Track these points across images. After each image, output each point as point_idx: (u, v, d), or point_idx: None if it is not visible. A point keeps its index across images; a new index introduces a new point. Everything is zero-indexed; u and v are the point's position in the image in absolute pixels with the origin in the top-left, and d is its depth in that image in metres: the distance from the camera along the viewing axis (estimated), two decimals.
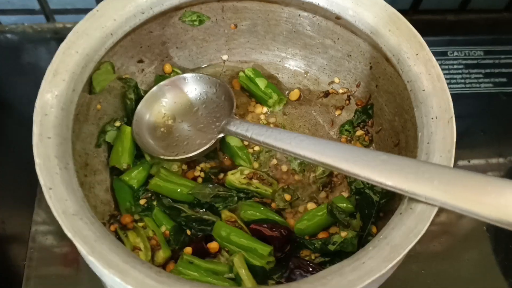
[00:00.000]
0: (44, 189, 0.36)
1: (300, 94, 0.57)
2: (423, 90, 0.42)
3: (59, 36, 0.71)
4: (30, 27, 0.72)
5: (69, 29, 0.71)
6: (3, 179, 0.60)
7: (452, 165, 0.38)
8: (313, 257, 0.48)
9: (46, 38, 0.72)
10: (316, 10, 0.50)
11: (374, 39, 0.46)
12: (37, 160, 0.37)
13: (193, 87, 0.53)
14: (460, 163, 0.62)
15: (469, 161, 0.62)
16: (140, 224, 0.49)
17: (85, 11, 0.70)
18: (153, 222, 0.49)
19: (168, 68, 0.55)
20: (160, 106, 0.52)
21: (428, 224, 0.35)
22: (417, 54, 0.43)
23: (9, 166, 0.61)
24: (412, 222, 0.36)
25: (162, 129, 0.51)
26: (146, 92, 0.53)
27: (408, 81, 0.43)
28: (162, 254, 0.47)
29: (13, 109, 0.66)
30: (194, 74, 0.53)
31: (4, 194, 0.59)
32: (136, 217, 0.49)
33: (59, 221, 0.35)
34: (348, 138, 0.54)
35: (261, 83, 0.55)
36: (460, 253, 0.56)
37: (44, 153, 0.37)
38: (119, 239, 0.47)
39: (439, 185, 0.34)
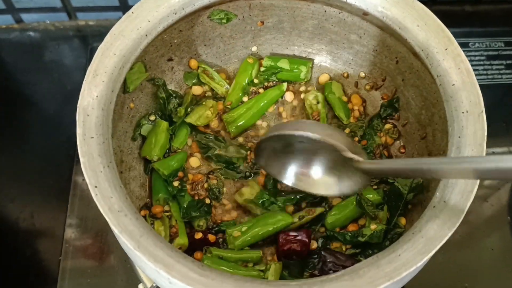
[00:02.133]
0: (90, 187, 0.37)
1: (330, 78, 0.58)
2: (453, 85, 0.43)
3: (82, 34, 0.73)
4: (52, 24, 0.73)
5: (92, 27, 0.74)
6: (30, 175, 0.62)
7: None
8: (344, 248, 0.49)
9: (68, 35, 0.73)
10: (342, 6, 0.51)
11: (403, 34, 0.47)
12: (82, 159, 0.38)
13: None
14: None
15: (492, 152, 0.63)
16: (167, 214, 0.50)
17: (107, 8, 0.73)
18: (177, 207, 0.51)
19: (193, 63, 0.56)
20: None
21: (463, 216, 0.36)
22: (446, 49, 0.44)
23: (34, 162, 0.62)
24: (446, 215, 0.37)
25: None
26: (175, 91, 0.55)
27: (437, 76, 0.44)
28: (178, 241, 0.49)
29: (37, 106, 0.67)
30: None
31: (32, 189, 0.61)
32: (166, 208, 0.51)
33: (106, 218, 0.36)
34: (378, 131, 0.55)
35: (284, 63, 0.57)
36: (482, 241, 0.57)
37: (87, 152, 0.39)
38: None
39: None
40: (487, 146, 0.63)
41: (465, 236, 0.56)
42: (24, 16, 0.72)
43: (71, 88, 0.68)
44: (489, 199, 0.59)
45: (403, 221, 0.49)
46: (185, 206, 0.51)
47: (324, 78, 0.58)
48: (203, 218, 0.51)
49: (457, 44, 0.44)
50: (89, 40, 0.73)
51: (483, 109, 0.41)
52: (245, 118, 0.55)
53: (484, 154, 0.39)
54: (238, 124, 0.55)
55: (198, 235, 0.49)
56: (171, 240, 0.49)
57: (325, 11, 0.53)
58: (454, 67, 0.43)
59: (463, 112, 0.41)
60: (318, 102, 0.56)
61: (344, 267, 0.40)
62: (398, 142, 0.54)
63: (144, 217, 0.50)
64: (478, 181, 0.38)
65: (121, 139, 0.50)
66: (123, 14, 0.71)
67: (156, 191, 0.52)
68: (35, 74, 0.69)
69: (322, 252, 0.47)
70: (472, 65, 0.70)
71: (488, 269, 0.56)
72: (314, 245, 0.49)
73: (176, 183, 0.52)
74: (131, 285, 0.54)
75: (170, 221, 0.50)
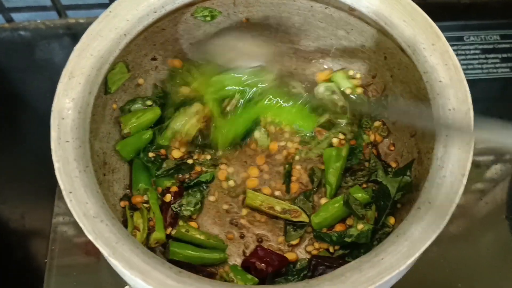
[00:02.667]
0: (64, 193, 0.37)
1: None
2: (440, 82, 0.41)
3: (72, 32, 0.72)
4: (43, 23, 0.72)
5: (82, 25, 0.73)
6: (21, 174, 0.61)
7: (470, 157, 0.38)
8: (332, 250, 0.48)
9: (59, 34, 0.72)
10: (328, 1, 0.50)
11: (389, 30, 0.45)
12: (56, 164, 0.37)
13: None
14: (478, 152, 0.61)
15: (486, 149, 0.61)
16: (146, 205, 0.49)
17: (97, 6, 0.72)
18: (155, 197, 0.50)
19: (177, 63, 0.55)
20: None
21: (448, 219, 0.35)
22: (433, 45, 0.43)
23: (26, 161, 0.61)
24: (431, 217, 0.36)
25: None
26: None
27: (424, 72, 0.43)
28: (155, 236, 0.48)
29: (29, 104, 0.66)
30: None
31: (22, 189, 0.60)
32: (145, 198, 0.50)
33: (80, 224, 0.36)
34: (367, 129, 0.54)
35: None
36: (478, 236, 0.56)
37: (63, 156, 0.38)
38: (125, 218, 0.48)
39: None
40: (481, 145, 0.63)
41: (459, 234, 0.55)
42: (15, 16, 0.72)
43: None
44: (483, 198, 0.58)
45: (392, 220, 0.47)
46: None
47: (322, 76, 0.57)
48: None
49: (445, 39, 0.43)
50: (79, 38, 0.72)
51: (471, 106, 0.40)
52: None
53: (471, 153, 0.38)
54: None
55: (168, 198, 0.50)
56: (148, 234, 0.48)
57: (311, 6, 0.52)
58: (442, 63, 0.42)
59: (449, 109, 0.40)
60: (333, 92, 0.55)
61: None
62: (387, 139, 0.53)
63: (124, 208, 0.49)
64: (463, 183, 0.36)
65: (104, 141, 0.49)
66: None
67: (136, 181, 0.51)
68: (26, 73, 0.69)
69: (311, 260, 0.46)
70: (467, 59, 0.70)
71: (482, 269, 0.54)
72: (292, 256, 0.48)
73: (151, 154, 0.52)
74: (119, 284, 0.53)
75: (149, 213, 0.49)
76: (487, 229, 0.56)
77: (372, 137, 0.53)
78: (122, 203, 0.49)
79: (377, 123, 0.53)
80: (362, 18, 0.49)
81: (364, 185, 0.51)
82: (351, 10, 0.49)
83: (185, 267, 0.37)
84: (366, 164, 0.52)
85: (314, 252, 0.48)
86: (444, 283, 0.53)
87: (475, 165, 0.59)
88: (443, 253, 0.54)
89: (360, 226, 0.46)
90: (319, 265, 0.45)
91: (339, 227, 0.48)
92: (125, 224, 0.47)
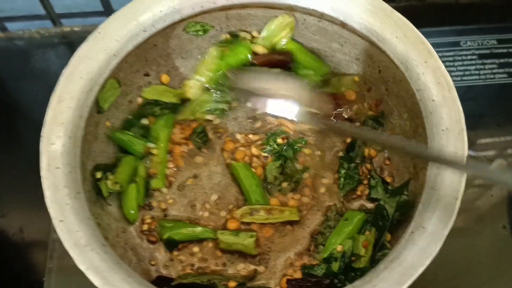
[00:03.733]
0: (54, 222, 0.36)
1: None
2: (433, 100, 0.41)
3: (67, 40, 0.72)
4: (37, 32, 0.72)
5: (77, 33, 0.72)
6: (18, 186, 0.60)
7: (464, 181, 0.37)
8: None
9: (54, 42, 0.71)
10: (321, 15, 0.49)
11: (381, 46, 0.45)
12: (46, 192, 0.37)
13: None
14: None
15: (484, 155, 0.61)
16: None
17: (91, 14, 0.71)
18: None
19: (165, 78, 0.54)
20: None
21: (441, 244, 0.35)
22: (425, 62, 0.42)
23: (22, 171, 0.60)
24: (424, 242, 0.36)
25: None
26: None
27: (417, 90, 0.43)
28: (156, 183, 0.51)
29: (25, 114, 0.66)
30: None
31: (20, 201, 0.60)
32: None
33: (71, 255, 0.35)
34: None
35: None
36: (479, 231, 0.55)
37: (53, 184, 0.38)
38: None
39: None
40: (480, 149, 0.63)
41: (460, 229, 0.54)
42: (9, 25, 0.71)
43: None
44: (485, 193, 0.57)
45: (388, 236, 0.47)
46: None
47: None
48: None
49: (437, 56, 0.42)
50: (75, 47, 0.71)
51: (464, 127, 0.39)
52: None
53: (465, 177, 0.37)
54: None
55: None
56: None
57: (305, 19, 0.51)
58: (434, 81, 0.41)
59: (443, 130, 0.40)
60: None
61: None
62: (381, 153, 0.52)
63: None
64: (457, 208, 0.36)
65: (98, 160, 0.48)
66: None
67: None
68: (22, 83, 0.68)
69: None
70: (463, 65, 0.69)
71: (483, 264, 0.54)
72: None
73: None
74: None
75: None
76: (488, 224, 0.56)
77: (366, 151, 0.52)
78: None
79: None
80: (355, 32, 0.49)
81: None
82: (343, 25, 0.48)
83: None
84: (364, 181, 0.51)
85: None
86: (445, 278, 0.53)
87: (476, 160, 0.58)
88: (444, 248, 0.53)
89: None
90: None
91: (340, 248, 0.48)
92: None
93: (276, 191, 0.52)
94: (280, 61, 0.53)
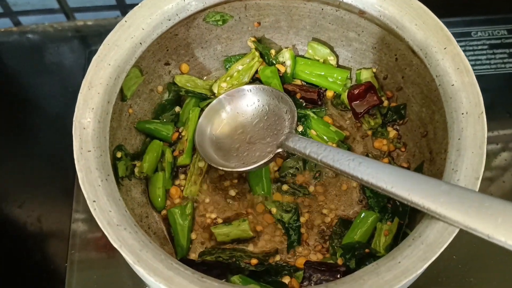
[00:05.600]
0: (88, 202, 0.37)
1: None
2: (452, 85, 0.42)
3: (81, 34, 0.73)
4: (51, 26, 0.73)
5: (90, 27, 0.73)
6: (35, 178, 0.62)
7: (483, 161, 0.38)
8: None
9: (67, 36, 0.72)
10: (339, 4, 0.50)
11: (400, 33, 0.46)
12: (79, 174, 0.38)
13: (255, 99, 0.52)
14: (488, 147, 0.61)
15: (496, 144, 0.62)
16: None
17: (104, 8, 0.72)
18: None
19: (185, 67, 0.56)
20: (220, 118, 0.52)
21: None
22: (445, 48, 0.43)
23: (39, 164, 0.63)
24: None
25: (223, 141, 0.51)
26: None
27: (436, 76, 0.44)
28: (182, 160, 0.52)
29: (40, 107, 0.67)
30: (256, 85, 0.52)
31: (37, 192, 0.61)
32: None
33: (105, 232, 0.37)
34: (381, 138, 0.54)
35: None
36: None
37: (85, 166, 0.39)
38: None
39: (503, 223, 0.32)
40: (490, 139, 0.63)
41: None
42: (22, 19, 0.72)
43: (72, 89, 0.67)
44: (492, 185, 0.58)
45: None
46: None
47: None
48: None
49: (456, 43, 0.43)
50: (88, 40, 0.72)
51: (483, 110, 0.40)
52: None
53: (484, 156, 0.38)
54: None
55: None
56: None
57: (322, 9, 0.52)
58: (454, 67, 0.42)
59: (462, 113, 0.41)
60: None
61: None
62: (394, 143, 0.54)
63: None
64: (477, 187, 0.37)
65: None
66: (121, 13, 0.72)
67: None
68: (36, 77, 0.69)
69: (305, 270, 0.46)
70: (474, 55, 0.70)
71: (495, 262, 0.54)
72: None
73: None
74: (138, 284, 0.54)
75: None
76: None
77: (385, 148, 0.53)
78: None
79: (392, 133, 0.54)
80: (372, 20, 0.50)
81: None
82: (361, 13, 0.49)
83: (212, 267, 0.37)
84: None
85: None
86: (456, 277, 0.53)
87: None
88: (453, 247, 0.54)
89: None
90: (313, 273, 0.45)
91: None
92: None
93: None
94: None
